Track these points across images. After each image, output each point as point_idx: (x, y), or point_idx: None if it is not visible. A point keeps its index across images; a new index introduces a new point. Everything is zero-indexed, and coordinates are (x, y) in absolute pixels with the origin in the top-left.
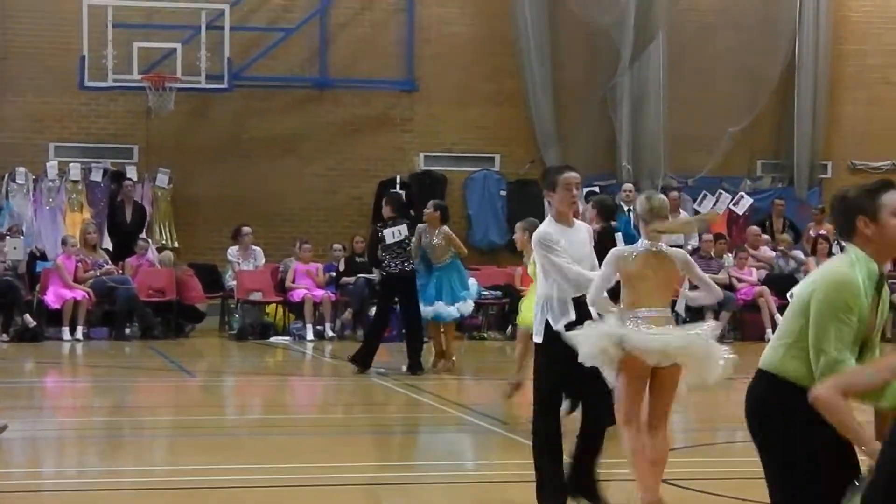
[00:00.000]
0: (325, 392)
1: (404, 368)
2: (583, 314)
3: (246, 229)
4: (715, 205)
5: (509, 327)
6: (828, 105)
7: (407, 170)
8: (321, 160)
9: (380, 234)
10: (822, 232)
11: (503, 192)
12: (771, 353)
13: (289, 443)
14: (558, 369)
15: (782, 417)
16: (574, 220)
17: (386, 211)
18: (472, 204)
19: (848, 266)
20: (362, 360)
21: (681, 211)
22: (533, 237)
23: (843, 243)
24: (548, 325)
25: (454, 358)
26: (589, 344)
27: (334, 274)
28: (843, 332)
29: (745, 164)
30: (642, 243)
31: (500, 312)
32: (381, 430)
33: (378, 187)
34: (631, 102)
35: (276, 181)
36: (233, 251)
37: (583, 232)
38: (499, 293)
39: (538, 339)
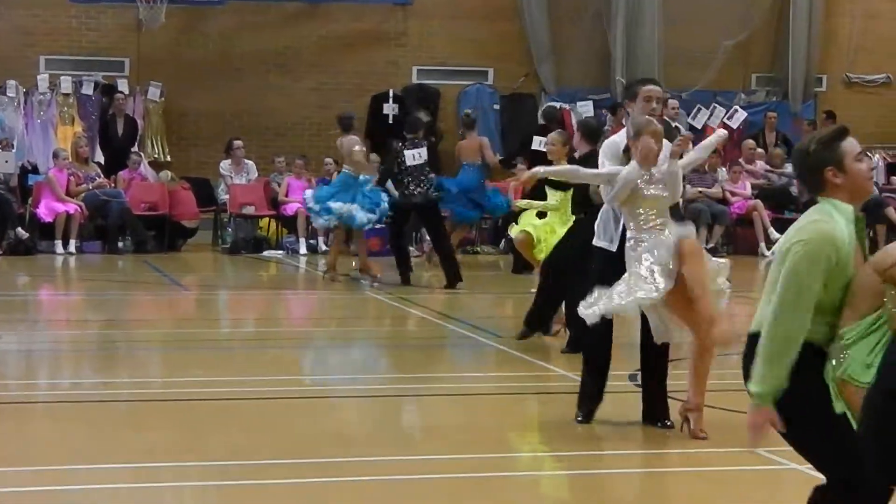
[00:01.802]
0: (318, 306)
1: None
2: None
3: (237, 143)
4: (709, 118)
5: (502, 241)
6: (823, 18)
7: (400, 84)
8: (314, 75)
9: (401, 152)
10: None
11: (497, 107)
12: (760, 314)
13: (282, 356)
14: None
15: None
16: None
17: (408, 131)
18: None
19: (827, 217)
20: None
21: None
22: (603, 146)
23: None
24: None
25: (375, 273)
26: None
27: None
28: (807, 296)
29: (739, 78)
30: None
31: (493, 227)
32: (375, 343)
33: (371, 102)
34: (626, 16)
35: (268, 96)
36: (225, 165)
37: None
38: None
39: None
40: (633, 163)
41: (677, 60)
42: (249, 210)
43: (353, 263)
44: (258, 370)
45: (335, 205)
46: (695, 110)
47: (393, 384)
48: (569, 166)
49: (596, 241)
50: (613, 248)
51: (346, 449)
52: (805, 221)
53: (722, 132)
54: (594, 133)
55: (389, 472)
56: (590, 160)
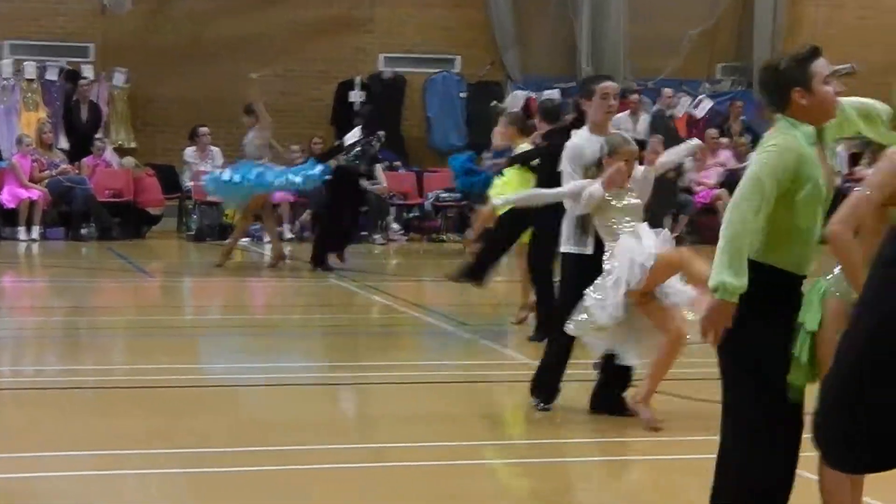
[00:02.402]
0: (283, 293)
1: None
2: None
3: (203, 129)
4: (676, 107)
5: (467, 229)
6: (787, 7)
7: (367, 72)
8: (281, 61)
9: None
10: None
11: (463, 95)
12: None
13: (247, 343)
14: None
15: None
16: (610, 129)
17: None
18: (431, 106)
19: (784, 133)
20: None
21: (641, 112)
22: (566, 149)
23: (777, 115)
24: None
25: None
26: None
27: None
28: (757, 189)
29: (704, 66)
30: None
31: (458, 215)
32: (339, 330)
33: (337, 88)
34: (591, 4)
35: (235, 82)
36: (190, 152)
37: None
38: (458, 195)
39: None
40: (601, 180)
41: (643, 49)
42: (215, 197)
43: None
44: (223, 357)
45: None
46: (659, 99)
47: (358, 372)
48: (530, 191)
49: (564, 248)
50: (588, 250)
51: (311, 436)
52: (766, 139)
53: (695, 142)
54: (551, 113)
55: (354, 460)
56: (553, 136)
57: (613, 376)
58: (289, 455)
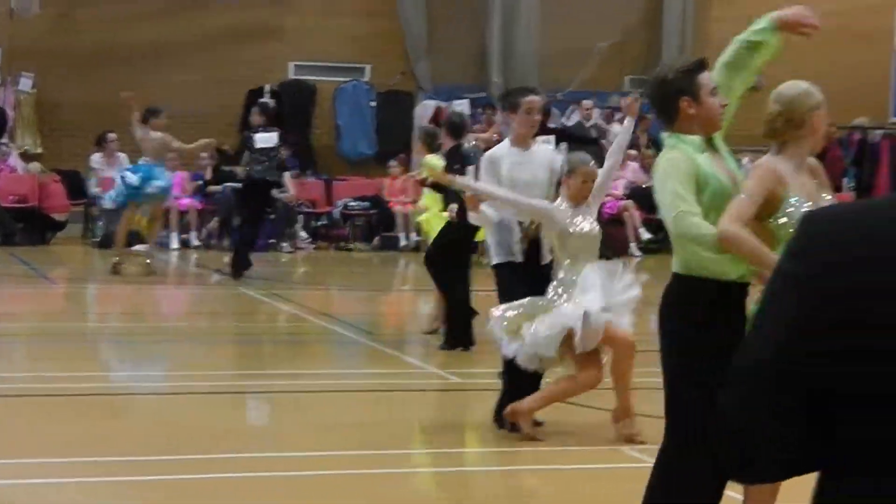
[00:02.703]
0: (189, 300)
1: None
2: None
3: (111, 136)
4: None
5: (375, 238)
6: (696, 22)
7: (277, 79)
8: (189, 68)
9: (252, 136)
10: None
11: (372, 103)
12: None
13: (152, 350)
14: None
15: (679, 312)
16: (533, 143)
17: (256, 119)
18: (341, 114)
19: (671, 149)
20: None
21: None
22: (483, 160)
23: (664, 134)
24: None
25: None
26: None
27: (201, 182)
28: (685, 193)
29: (614, 79)
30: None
31: (366, 224)
32: (245, 339)
33: (246, 96)
34: (502, 15)
35: (143, 88)
36: (96, 158)
37: (540, 155)
38: (366, 204)
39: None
40: (559, 201)
41: (553, 60)
42: None
43: (225, 259)
44: (127, 365)
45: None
46: (569, 110)
47: (266, 380)
48: (508, 195)
49: (495, 259)
50: (518, 258)
51: (219, 445)
52: (657, 162)
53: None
54: (457, 128)
55: (262, 469)
56: (454, 155)
57: (518, 388)
58: (198, 464)
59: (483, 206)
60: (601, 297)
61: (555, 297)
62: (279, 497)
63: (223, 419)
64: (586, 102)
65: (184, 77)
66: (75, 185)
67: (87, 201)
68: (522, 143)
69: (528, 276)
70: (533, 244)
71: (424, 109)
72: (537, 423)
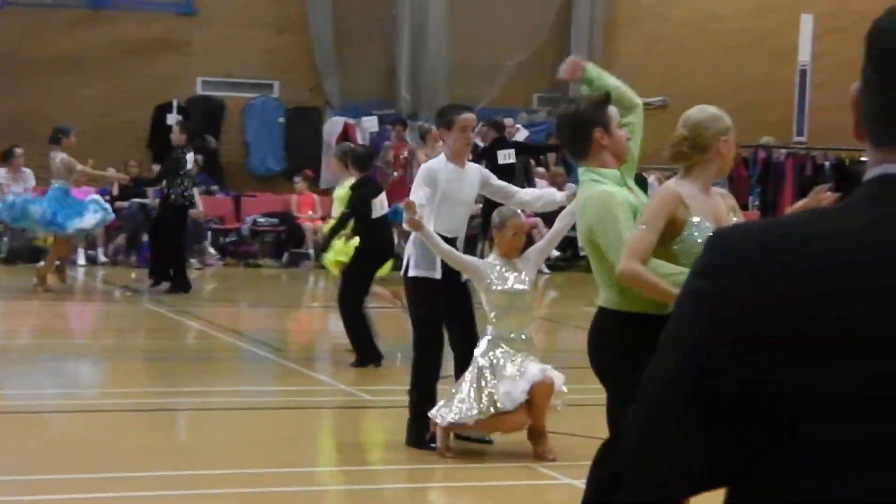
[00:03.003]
0: (97, 317)
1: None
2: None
3: (18, 151)
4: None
5: (284, 255)
6: (604, 41)
7: (184, 95)
8: (96, 82)
9: (183, 157)
10: None
11: (281, 119)
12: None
13: (59, 367)
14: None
15: (609, 345)
16: (466, 161)
17: (179, 138)
18: (250, 130)
19: (593, 185)
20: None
21: None
22: (420, 169)
23: (579, 167)
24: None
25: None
26: None
27: (108, 198)
28: (622, 228)
29: (522, 96)
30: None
31: (275, 240)
32: (153, 356)
33: (154, 111)
34: (411, 33)
35: (49, 103)
36: (1, 172)
37: (472, 174)
38: (275, 220)
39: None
40: (492, 255)
41: (461, 78)
42: None
43: (132, 275)
44: (34, 383)
45: (34, 208)
46: (478, 127)
47: (175, 398)
48: (444, 248)
49: (414, 272)
50: (437, 275)
51: (128, 463)
52: (580, 201)
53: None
54: (362, 160)
55: (165, 488)
56: (362, 188)
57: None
58: (104, 483)
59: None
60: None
61: (496, 360)
62: None
63: (131, 436)
64: (508, 121)
65: (90, 91)
66: None
67: None
68: (458, 159)
69: (446, 292)
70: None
71: (333, 126)
72: (486, 441)
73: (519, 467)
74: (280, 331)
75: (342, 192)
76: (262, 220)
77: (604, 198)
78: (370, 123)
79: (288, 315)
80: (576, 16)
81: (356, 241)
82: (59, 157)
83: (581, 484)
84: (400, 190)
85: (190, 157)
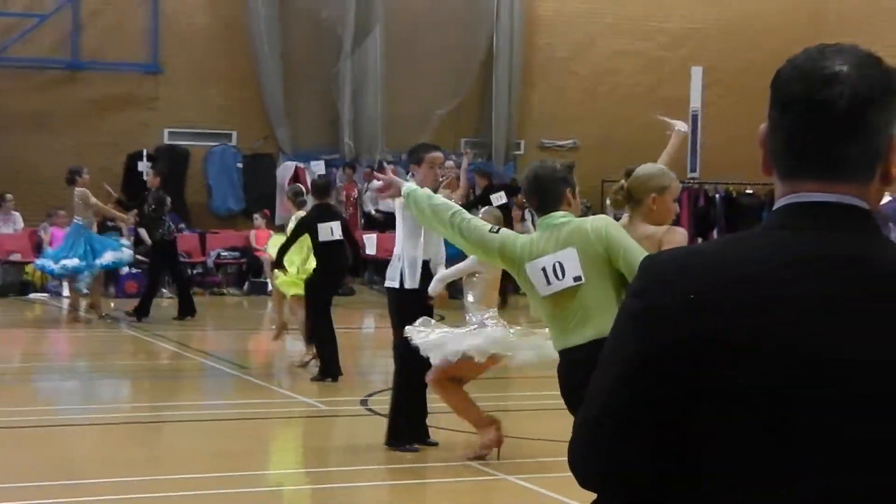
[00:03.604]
0: (81, 342)
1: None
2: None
3: (9, 196)
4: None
5: (245, 284)
6: (521, 91)
7: (153, 144)
8: (73, 134)
9: (165, 199)
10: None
11: (239, 165)
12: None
13: (48, 388)
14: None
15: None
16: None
17: (154, 181)
18: (211, 174)
19: (576, 219)
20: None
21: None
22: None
23: (554, 214)
24: (402, 281)
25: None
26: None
27: None
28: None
29: (451, 141)
30: None
31: (237, 271)
32: (132, 375)
33: (126, 159)
34: (352, 87)
35: (31, 153)
36: None
37: None
38: (237, 254)
39: (395, 284)
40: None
41: (397, 125)
42: (16, 257)
43: (111, 304)
44: (26, 401)
45: (70, 262)
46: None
47: (150, 412)
48: (460, 270)
49: (393, 284)
50: (416, 285)
51: (109, 470)
52: (566, 229)
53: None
54: (319, 189)
55: (146, 491)
56: (312, 212)
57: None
58: (87, 487)
59: None
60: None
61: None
62: None
63: (111, 447)
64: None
65: (68, 142)
66: None
67: None
68: None
69: (420, 301)
70: (425, 273)
71: (285, 170)
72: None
73: (459, 466)
74: (243, 350)
75: (293, 226)
76: (224, 253)
77: (609, 221)
78: (318, 167)
79: (250, 336)
80: (496, 70)
81: (308, 268)
82: (77, 192)
83: (516, 480)
84: (353, 226)
85: (169, 198)
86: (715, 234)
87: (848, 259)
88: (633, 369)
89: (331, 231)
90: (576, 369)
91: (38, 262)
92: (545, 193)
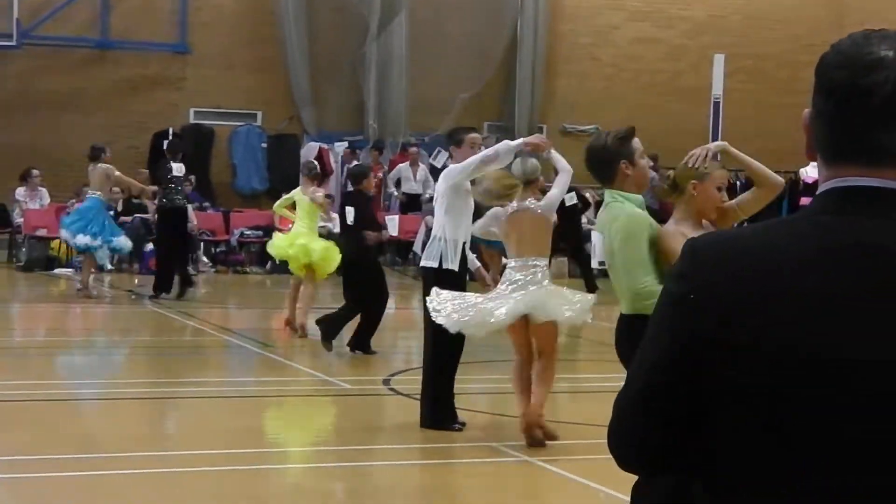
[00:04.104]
0: (104, 317)
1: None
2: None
3: (35, 172)
4: (448, 159)
5: (268, 262)
6: (544, 77)
7: (179, 123)
8: (102, 113)
9: (169, 164)
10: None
11: (264, 145)
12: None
13: (72, 362)
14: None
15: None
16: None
17: (169, 152)
18: (236, 154)
19: (621, 205)
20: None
21: (419, 164)
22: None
23: (605, 191)
24: (441, 261)
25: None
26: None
27: (113, 213)
28: (647, 261)
29: (473, 125)
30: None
31: (260, 250)
32: (157, 351)
33: (153, 138)
34: (377, 70)
35: (61, 131)
36: (20, 191)
37: None
38: (260, 233)
39: (433, 264)
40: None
41: (421, 109)
42: (42, 232)
43: (135, 280)
44: (49, 375)
45: (81, 241)
46: (435, 152)
47: (176, 388)
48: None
49: (430, 263)
50: (456, 266)
51: (128, 445)
52: (607, 217)
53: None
54: (355, 176)
55: (164, 466)
56: (358, 198)
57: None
58: (110, 461)
59: None
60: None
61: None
62: (186, 489)
63: (136, 421)
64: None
65: (97, 121)
66: (1, 215)
67: (12, 230)
68: None
69: (458, 282)
70: (462, 255)
71: (309, 150)
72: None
73: (483, 447)
74: (266, 328)
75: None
76: (248, 232)
77: (629, 221)
78: (342, 148)
79: (272, 315)
80: (520, 55)
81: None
82: (98, 167)
83: (535, 461)
84: (376, 207)
85: (176, 166)
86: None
87: (875, 248)
88: (670, 358)
89: (349, 215)
90: (621, 330)
91: (62, 233)
92: (596, 170)
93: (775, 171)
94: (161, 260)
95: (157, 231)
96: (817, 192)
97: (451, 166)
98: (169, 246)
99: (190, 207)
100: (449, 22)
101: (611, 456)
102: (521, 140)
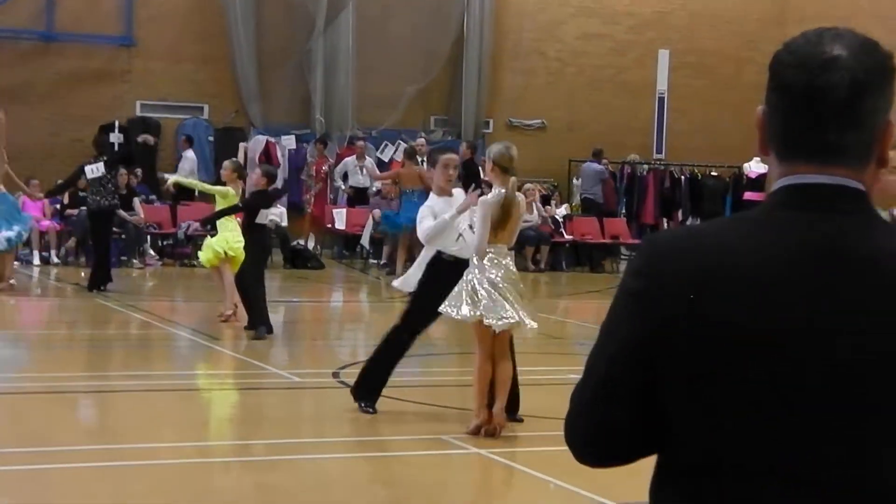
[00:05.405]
0: (50, 311)
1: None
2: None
3: None
4: (395, 152)
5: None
6: (490, 72)
7: (125, 116)
8: (47, 106)
9: (83, 167)
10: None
11: (210, 138)
12: None
13: (17, 355)
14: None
15: None
16: (452, 189)
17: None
18: (183, 147)
19: None
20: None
21: (366, 157)
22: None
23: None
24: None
25: (12, 281)
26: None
27: (59, 206)
28: None
29: (420, 119)
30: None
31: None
32: (102, 344)
33: (98, 131)
34: (324, 65)
35: (6, 124)
36: None
37: (459, 199)
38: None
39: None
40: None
41: (368, 103)
42: None
43: (82, 273)
44: None
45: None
46: (382, 146)
47: (120, 381)
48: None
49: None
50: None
51: (74, 438)
52: None
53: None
54: (270, 175)
55: (110, 459)
56: (256, 196)
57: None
58: (57, 455)
59: None
60: None
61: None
62: (126, 483)
63: (76, 415)
64: (359, 143)
65: (41, 114)
66: None
67: None
68: (444, 192)
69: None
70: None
71: (256, 144)
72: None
73: (430, 439)
74: (212, 321)
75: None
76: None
77: None
78: (289, 142)
79: (218, 308)
80: (466, 50)
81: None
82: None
83: (485, 453)
84: (322, 200)
85: (89, 168)
86: (679, 215)
87: (830, 243)
88: (628, 350)
89: (265, 216)
90: None
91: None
92: None
93: (718, 166)
94: (97, 258)
95: (90, 230)
96: (773, 189)
97: (422, 220)
98: (105, 244)
99: (137, 200)
100: (395, 17)
101: (562, 447)
102: (453, 211)
